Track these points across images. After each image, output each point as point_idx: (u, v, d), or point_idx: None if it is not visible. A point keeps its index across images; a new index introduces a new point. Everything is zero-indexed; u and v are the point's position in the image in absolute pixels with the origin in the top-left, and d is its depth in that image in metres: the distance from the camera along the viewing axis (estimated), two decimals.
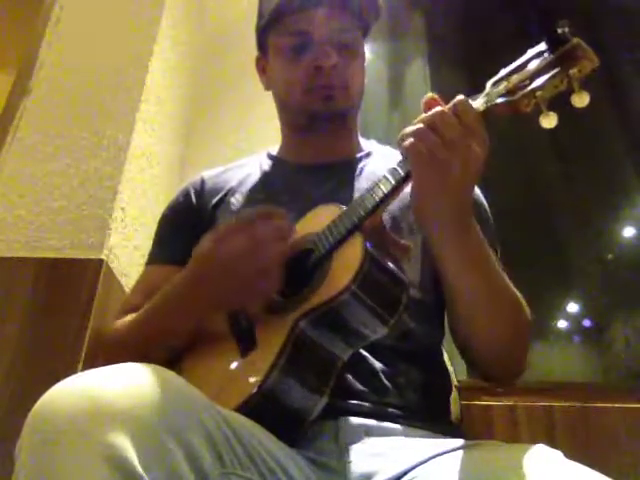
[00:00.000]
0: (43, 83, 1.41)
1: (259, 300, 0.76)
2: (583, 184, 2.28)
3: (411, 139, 0.72)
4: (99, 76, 1.41)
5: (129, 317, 0.89)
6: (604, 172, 2.26)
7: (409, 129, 0.73)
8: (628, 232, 2.34)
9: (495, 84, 0.75)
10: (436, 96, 0.75)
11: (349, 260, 0.72)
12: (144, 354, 0.81)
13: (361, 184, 0.95)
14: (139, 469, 0.47)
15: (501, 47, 2.36)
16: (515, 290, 0.84)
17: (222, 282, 0.75)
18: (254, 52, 1.61)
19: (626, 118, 2.24)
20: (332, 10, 0.97)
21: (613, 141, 2.23)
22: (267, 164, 1.06)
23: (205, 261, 0.77)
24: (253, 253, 0.73)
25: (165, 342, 0.82)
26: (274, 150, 1.10)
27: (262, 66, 1.08)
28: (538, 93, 0.69)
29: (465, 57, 2.41)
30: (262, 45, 1.07)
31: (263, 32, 1.04)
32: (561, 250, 2.19)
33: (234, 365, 0.75)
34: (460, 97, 0.73)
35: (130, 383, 0.52)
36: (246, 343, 0.76)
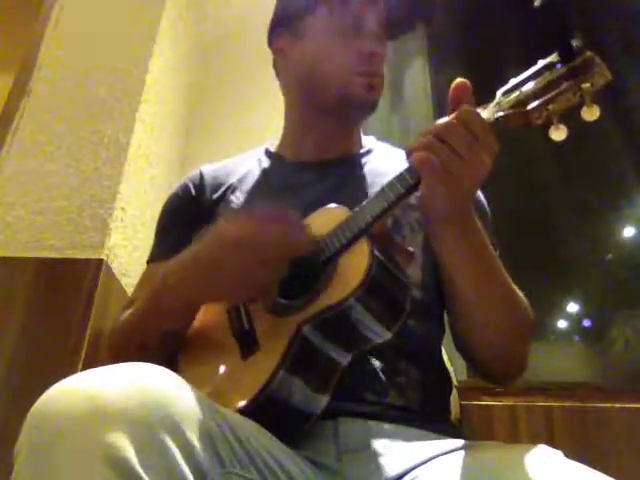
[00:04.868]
0: (43, 83, 1.41)
1: (255, 292, 0.75)
2: (583, 184, 2.28)
3: (422, 152, 0.71)
4: (99, 76, 1.41)
5: (131, 309, 0.88)
6: (604, 172, 2.27)
7: (419, 142, 0.72)
8: (628, 232, 2.34)
9: (506, 94, 0.74)
10: (468, 83, 0.74)
11: (355, 265, 0.71)
12: (141, 341, 0.81)
13: (362, 182, 0.95)
14: (138, 469, 0.47)
15: (501, 47, 2.36)
16: (516, 288, 0.84)
17: (219, 264, 0.73)
18: (254, 52, 1.61)
19: (626, 118, 2.24)
20: (379, 6, 1.00)
21: (613, 141, 2.23)
22: (266, 162, 1.05)
23: (210, 241, 0.76)
24: (261, 243, 0.71)
25: (160, 326, 0.80)
26: (272, 146, 1.09)
27: (283, 43, 1.04)
28: (550, 106, 0.68)
29: (465, 57, 2.41)
30: (291, 23, 1.04)
31: (305, 10, 1.02)
32: (561, 250, 2.19)
33: (235, 367, 0.75)
34: (465, 107, 0.72)
35: (129, 383, 0.52)
36: (248, 345, 0.76)
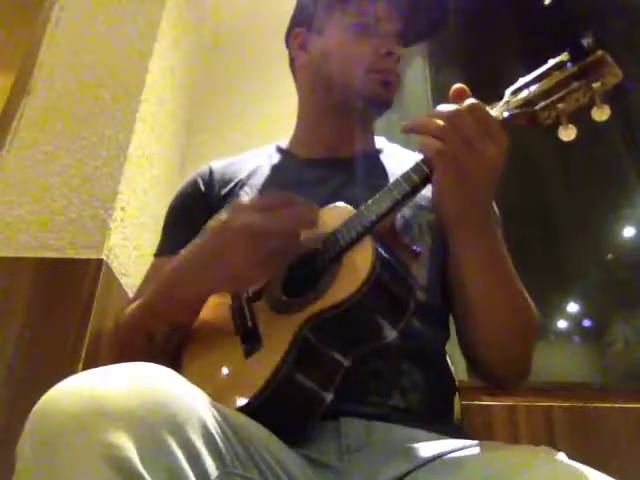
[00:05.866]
0: (43, 83, 1.41)
1: (256, 280, 0.75)
2: (583, 184, 2.28)
3: (436, 141, 0.70)
4: (99, 76, 1.41)
5: (137, 302, 0.88)
6: (604, 172, 2.27)
7: (428, 123, 0.71)
8: (628, 232, 2.34)
9: (514, 93, 0.73)
10: (466, 87, 0.74)
11: (359, 264, 0.71)
12: (147, 333, 0.81)
13: (370, 182, 0.94)
14: (140, 469, 0.47)
15: (501, 47, 2.36)
16: (524, 292, 0.83)
17: (221, 253, 0.73)
18: (254, 51, 1.60)
19: (626, 118, 2.24)
20: (399, 13, 1.01)
21: (613, 141, 2.23)
22: (276, 158, 1.05)
23: (214, 231, 0.76)
24: (263, 231, 0.70)
25: (167, 317, 0.80)
26: (284, 143, 1.09)
27: (302, 41, 1.06)
28: (559, 105, 0.68)
29: (465, 57, 2.41)
30: (311, 20, 1.05)
31: (325, 7, 1.03)
32: (561, 250, 2.19)
33: (238, 364, 0.75)
34: (472, 100, 0.71)
35: (131, 383, 0.52)
36: (251, 343, 0.76)
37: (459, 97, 0.73)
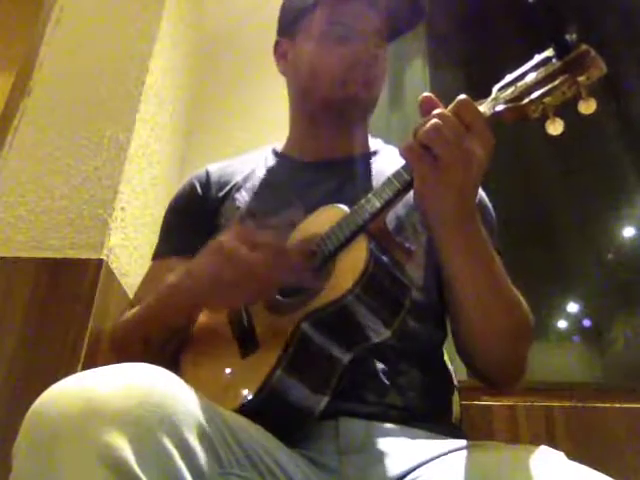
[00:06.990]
0: (43, 83, 1.41)
1: (253, 300, 0.77)
2: (583, 184, 2.28)
3: (412, 143, 0.71)
4: (99, 76, 1.41)
5: (136, 307, 0.89)
6: (604, 172, 2.27)
7: (418, 137, 0.71)
8: (628, 232, 2.34)
9: (502, 89, 0.74)
10: (432, 95, 0.75)
11: (353, 262, 0.71)
12: (145, 336, 0.82)
13: (366, 183, 0.95)
14: (136, 469, 0.47)
15: (501, 47, 2.36)
16: (517, 292, 0.83)
17: (203, 276, 0.75)
18: (254, 52, 1.60)
19: (626, 118, 2.24)
20: (373, 11, 1.00)
21: (613, 141, 2.23)
22: (272, 160, 1.06)
23: (205, 254, 0.77)
24: (245, 271, 0.72)
25: (165, 323, 0.81)
26: (279, 146, 1.10)
27: (283, 50, 1.07)
28: (546, 99, 0.69)
29: (465, 57, 2.41)
30: (289, 29, 1.06)
31: (299, 16, 1.03)
32: (561, 250, 2.19)
33: (235, 366, 0.75)
34: (462, 97, 0.72)
35: (127, 383, 0.52)
36: (247, 344, 0.76)
37: (431, 108, 0.73)
